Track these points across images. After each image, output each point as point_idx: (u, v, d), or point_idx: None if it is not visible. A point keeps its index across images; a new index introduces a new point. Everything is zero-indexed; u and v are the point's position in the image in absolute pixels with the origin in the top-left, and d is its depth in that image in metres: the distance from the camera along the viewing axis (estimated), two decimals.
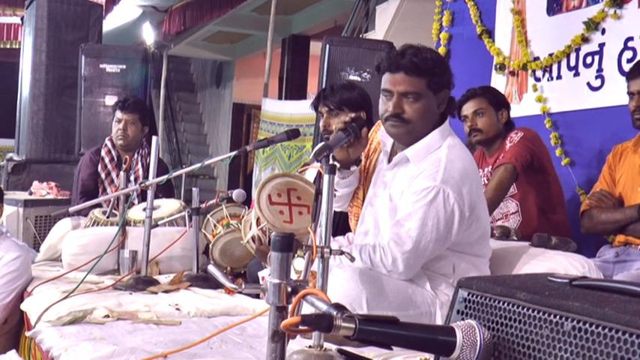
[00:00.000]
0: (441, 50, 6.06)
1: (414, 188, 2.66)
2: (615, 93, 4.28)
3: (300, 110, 8.00)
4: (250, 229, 3.42)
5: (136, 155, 5.22)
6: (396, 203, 2.76)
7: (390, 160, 2.91)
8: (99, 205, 4.56)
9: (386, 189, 2.86)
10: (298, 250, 2.42)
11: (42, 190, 5.80)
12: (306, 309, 1.47)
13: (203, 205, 3.98)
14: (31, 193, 5.77)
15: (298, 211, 3.33)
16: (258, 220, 3.35)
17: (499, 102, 4.25)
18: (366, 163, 3.31)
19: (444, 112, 2.83)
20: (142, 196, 4.60)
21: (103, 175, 5.24)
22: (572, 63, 4.78)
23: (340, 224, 3.62)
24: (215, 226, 4.11)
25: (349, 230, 3.41)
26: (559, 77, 4.88)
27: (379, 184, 2.94)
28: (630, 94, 3.57)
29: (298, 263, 2.43)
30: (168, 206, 4.45)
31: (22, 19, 8.86)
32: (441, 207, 2.61)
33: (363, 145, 3.03)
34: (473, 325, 1.38)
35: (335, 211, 3.50)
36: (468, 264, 2.76)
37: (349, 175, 3.15)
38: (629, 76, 3.61)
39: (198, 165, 3.74)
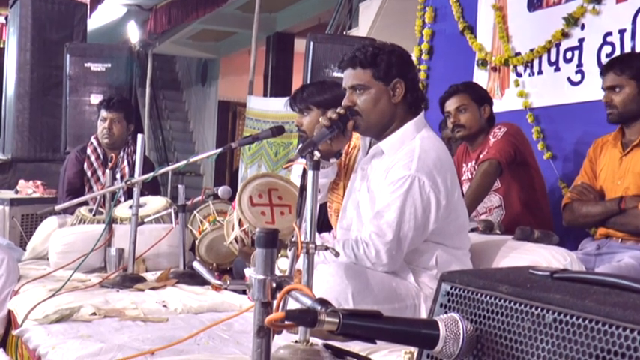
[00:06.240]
0: (424, 47, 6.09)
1: (391, 179, 2.70)
2: (595, 87, 4.30)
3: (285, 107, 7.97)
4: (233, 230, 3.42)
5: (121, 153, 5.22)
6: (374, 195, 2.79)
7: (367, 153, 2.94)
8: (85, 204, 4.56)
9: (365, 181, 2.88)
10: (282, 249, 2.44)
11: (28, 188, 5.79)
12: (292, 305, 1.48)
13: (189, 202, 3.98)
14: (17, 192, 5.77)
15: (280, 212, 3.33)
16: (240, 221, 3.35)
17: (481, 97, 4.28)
18: (346, 159, 3.33)
19: (412, 104, 2.84)
20: (128, 194, 4.60)
21: (89, 174, 5.24)
22: (553, 58, 4.81)
23: (325, 221, 3.64)
24: (201, 222, 4.12)
25: (331, 226, 3.42)
26: (540, 72, 4.91)
27: (359, 178, 2.96)
28: (603, 89, 3.62)
29: (282, 263, 2.44)
30: (155, 204, 4.44)
31: (6, 18, 8.81)
32: (418, 195, 2.65)
33: (348, 139, 3.06)
34: (455, 318, 1.38)
35: (320, 208, 3.53)
36: (449, 256, 2.79)
37: (328, 166, 3.19)
38: (602, 71, 3.66)
39: (183, 162, 3.73)
